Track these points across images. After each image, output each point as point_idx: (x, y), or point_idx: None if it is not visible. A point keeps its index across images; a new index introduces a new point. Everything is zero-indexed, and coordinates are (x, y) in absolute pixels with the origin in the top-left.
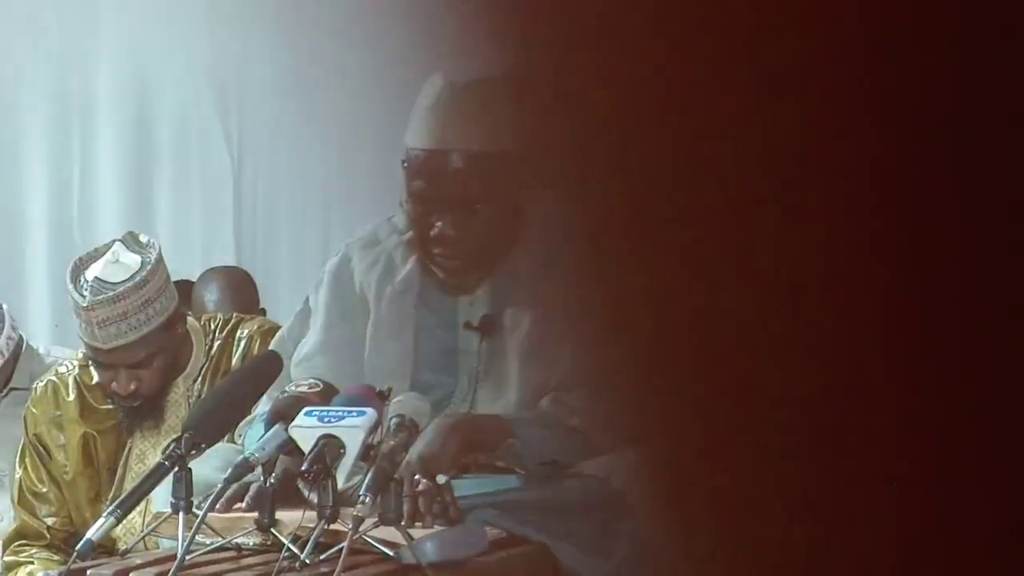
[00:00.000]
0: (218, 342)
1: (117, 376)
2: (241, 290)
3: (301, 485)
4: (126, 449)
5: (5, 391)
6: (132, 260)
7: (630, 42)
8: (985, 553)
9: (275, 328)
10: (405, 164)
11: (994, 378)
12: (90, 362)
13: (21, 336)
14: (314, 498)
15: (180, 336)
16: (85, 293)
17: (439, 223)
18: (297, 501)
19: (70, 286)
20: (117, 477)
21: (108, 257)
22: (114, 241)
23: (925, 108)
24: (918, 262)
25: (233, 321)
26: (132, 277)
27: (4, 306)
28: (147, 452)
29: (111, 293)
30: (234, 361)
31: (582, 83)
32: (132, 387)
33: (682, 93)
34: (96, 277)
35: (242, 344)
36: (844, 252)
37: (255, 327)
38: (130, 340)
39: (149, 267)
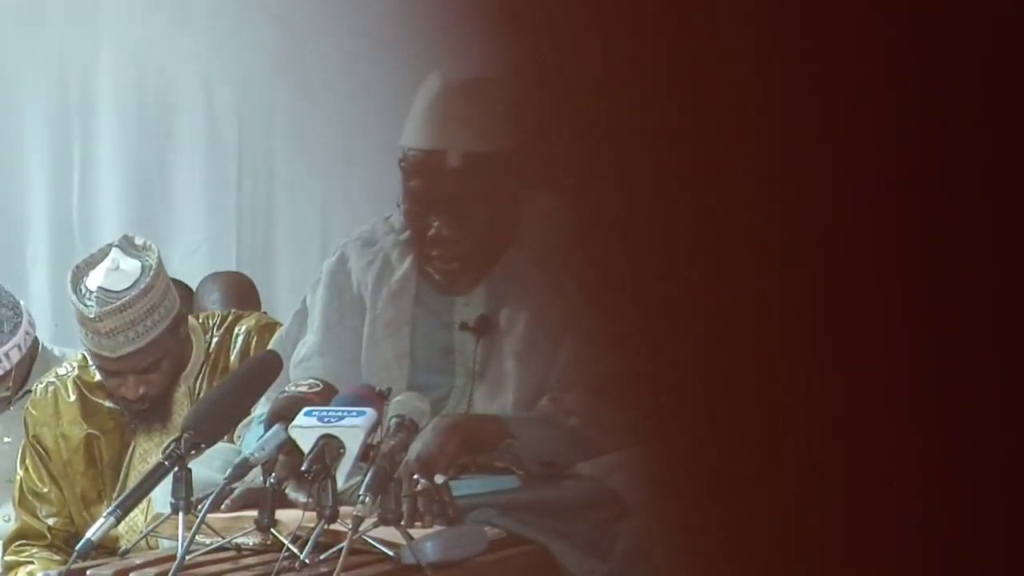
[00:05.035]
0: (216, 339)
1: (125, 381)
2: (242, 295)
3: (289, 488)
4: (130, 449)
5: (21, 393)
6: (132, 266)
7: (629, 43)
8: (985, 554)
9: (273, 323)
10: (402, 164)
11: (999, 381)
12: (96, 369)
13: (36, 337)
14: (299, 499)
15: (183, 336)
16: (90, 303)
17: (436, 223)
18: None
19: (73, 296)
20: (121, 476)
21: (108, 264)
22: (110, 246)
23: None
24: (923, 262)
25: (231, 318)
26: (136, 284)
27: (22, 302)
28: (151, 451)
29: (117, 303)
30: (232, 357)
31: (580, 84)
32: (141, 391)
33: (682, 93)
34: (100, 287)
35: (240, 340)
36: (848, 251)
37: (253, 322)
38: (138, 347)
39: (151, 272)
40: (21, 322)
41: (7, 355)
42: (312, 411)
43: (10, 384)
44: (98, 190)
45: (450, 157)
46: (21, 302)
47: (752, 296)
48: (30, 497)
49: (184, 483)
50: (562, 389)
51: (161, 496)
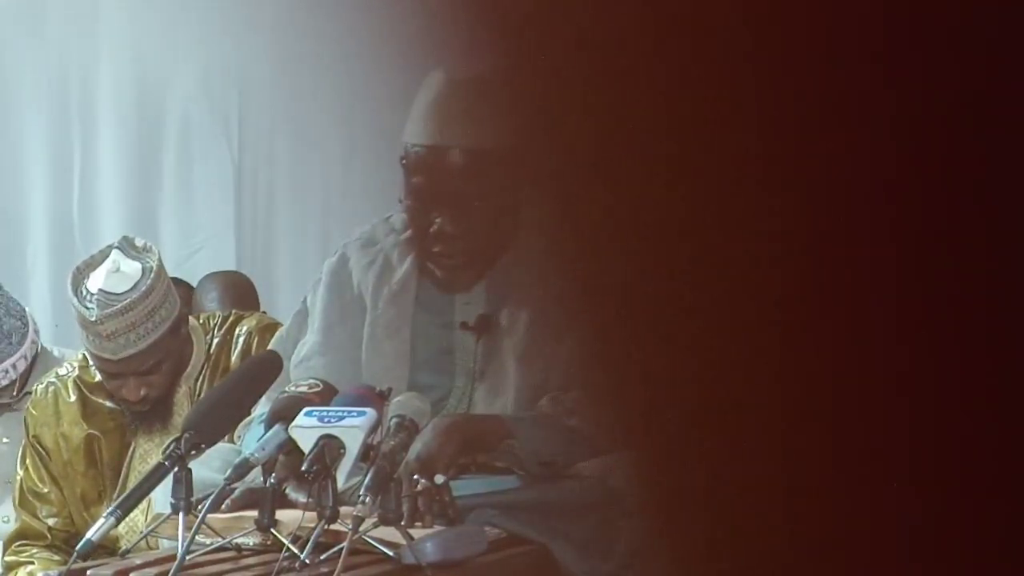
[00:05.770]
0: (217, 340)
1: (126, 383)
2: (241, 294)
3: (289, 488)
4: (130, 449)
5: (20, 395)
6: (132, 268)
7: (627, 44)
8: (983, 554)
9: (274, 324)
10: (404, 161)
11: (996, 383)
12: (97, 370)
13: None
14: (299, 499)
15: (184, 337)
16: (91, 306)
17: (438, 220)
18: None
19: (73, 299)
20: (121, 477)
21: (108, 266)
22: (110, 248)
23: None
24: (918, 262)
25: (232, 318)
26: (137, 286)
27: (27, 309)
28: (151, 452)
29: (118, 305)
30: (233, 358)
31: (580, 84)
32: (142, 393)
33: (681, 94)
34: (100, 289)
35: (241, 340)
36: (844, 251)
37: (254, 323)
38: (140, 349)
39: (152, 274)
40: (28, 332)
41: (14, 366)
42: (312, 411)
43: (14, 392)
44: (98, 190)
45: (452, 153)
46: (27, 310)
47: (750, 298)
48: (30, 497)
49: (184, 483)
50: (562, 389)
51: (161, 496)
